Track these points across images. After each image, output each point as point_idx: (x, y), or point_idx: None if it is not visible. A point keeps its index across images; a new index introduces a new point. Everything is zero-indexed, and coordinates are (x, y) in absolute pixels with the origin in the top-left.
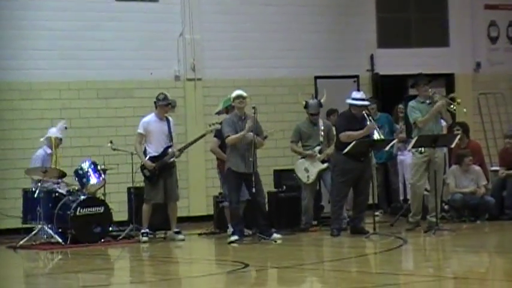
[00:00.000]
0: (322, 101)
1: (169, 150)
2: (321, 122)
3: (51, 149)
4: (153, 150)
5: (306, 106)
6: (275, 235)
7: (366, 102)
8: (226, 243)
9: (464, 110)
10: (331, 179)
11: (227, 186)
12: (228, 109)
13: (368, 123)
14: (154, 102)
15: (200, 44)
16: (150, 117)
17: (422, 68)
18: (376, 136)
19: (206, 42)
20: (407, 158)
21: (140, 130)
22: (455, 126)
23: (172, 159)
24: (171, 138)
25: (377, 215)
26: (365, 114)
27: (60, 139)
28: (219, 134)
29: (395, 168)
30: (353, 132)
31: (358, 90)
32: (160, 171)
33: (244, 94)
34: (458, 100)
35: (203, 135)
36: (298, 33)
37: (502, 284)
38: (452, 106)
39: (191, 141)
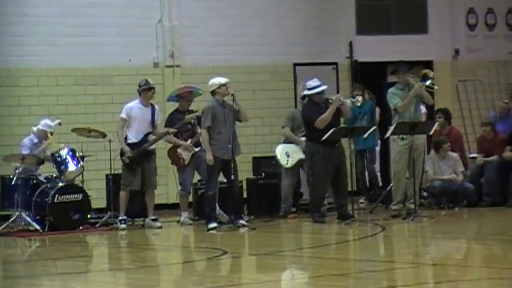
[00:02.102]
0: None
1: (149, 136)
2: None
3: (39, 140)
4: (133, 136)
5: (304, 98)
6: (240, 221)
7: (323, 87)
8: (207, 229)
9: (436, 87)
10: (308, 170)
11: (209, 173)
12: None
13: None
14: (138, 91)
15: (179, 31)
16: (134, 103)
17: (401, 55)
18: (348, 104)
19: (185, 29)
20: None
21: (123, 115)
22: (437, 113)
23: (153, 147)
24: (153, 126)
25: (362, 202)
26: (327, 99)
27: (52, 133)
28: (168, 123)
29: (373, 155)
30: (324, 115)
31: (337, 77)
32: (139, 158)
33: (223, 81)
34: (431, 75)
35: (185, 122)
36: (277, 19)
37: (481, 270)
38: (428, 83)
39: (178, 125)
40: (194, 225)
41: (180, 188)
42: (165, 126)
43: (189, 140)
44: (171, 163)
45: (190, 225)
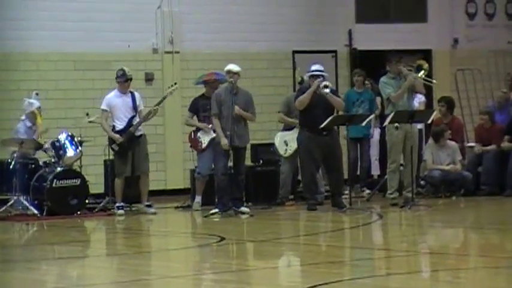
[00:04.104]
0: None
1: (134, 120)
2: None
3: (31, 122)
4: (119, 124)
5: (301, 82)
6: (243, 208)
7: (320, 73)
8: (205, 216)
9: (434, 81)
10: (299, 157)
11: (216, 158)
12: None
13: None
14: (115, 79)
15: (178, 17)
16: (113, 93)
17: (400, 43)
18: (327, 90)
19: (184, 15)
20: (375, 134)
21: (103, 106)
22: (440, 101)
23: (141, 131)
24: (136, 112)
25: (363, 191)
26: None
27: (39, 107)
28: (191, 108)
29: (368, 145)
30: (302, 96)
31: (336, 65)
32: (129, 143)
33: (235, 69)
34: (425, 66)
35: (164, 98)
36: (277, 7)
37: (477, 259)
38: (420, 74)
39: (158, 101)
40: (192, 211)
41: (196, 171)
42: (188, 110)
43: (210, 125)
44: (190, 147)
45: (197, 210)
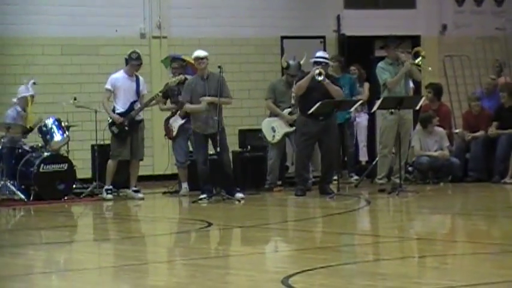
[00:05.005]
0: (301, 62)
1: (135, 105)
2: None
3: (23, 109)
4: (121, 106)
5: (287, 67)
6: (238, 194)
7: (323, 60)
8: (193, 201)
9: (430, 68)
10: (294, 141)
11: (195, 148)
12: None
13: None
14: (126, 59)
15: (166, 2)
16: (119, 74)
17: (388, 29)
18: (319, 78)
19: (172, 0)
20: (362, 120)
21: (108, 86)
22: (427, 87)
23: (141, 117)
24: (138, 96)
25: (352, 176)
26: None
27: (33, 95)
28: (166, 94)
29: (352, 130)
30: (300, 81)
31: (325, 50)
32: (128, 127)
33: (202, 54)
34: (423, 53)
35: (168, 86)
36: None
37: (465, 245)
38: (417, 60)
39: (162, 89)
40: (179, 196)
41: (175, 159)
42: (162, 97)
43: (178, 112)
44: (164, 135)
45: (185, 196)
